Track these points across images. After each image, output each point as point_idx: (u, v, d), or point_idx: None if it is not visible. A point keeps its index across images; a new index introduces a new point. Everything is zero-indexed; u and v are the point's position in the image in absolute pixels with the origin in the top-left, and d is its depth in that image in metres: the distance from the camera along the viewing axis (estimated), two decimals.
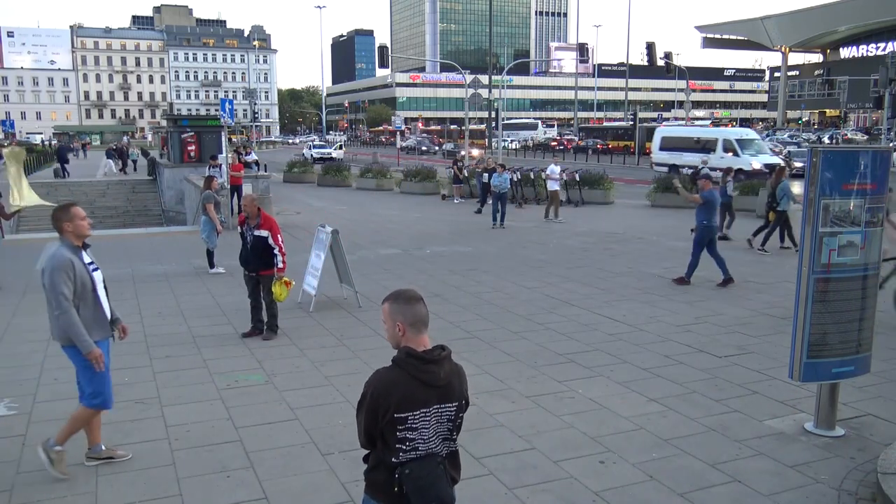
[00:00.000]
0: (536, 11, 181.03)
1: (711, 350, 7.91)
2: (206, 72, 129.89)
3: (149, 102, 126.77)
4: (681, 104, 65.64)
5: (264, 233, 8.29)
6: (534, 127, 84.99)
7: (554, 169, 20.74)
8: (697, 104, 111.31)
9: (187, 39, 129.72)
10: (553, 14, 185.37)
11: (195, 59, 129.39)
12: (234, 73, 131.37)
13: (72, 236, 4.90)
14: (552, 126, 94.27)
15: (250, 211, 8.40)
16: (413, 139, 79.79)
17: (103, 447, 5.27)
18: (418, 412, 2.74)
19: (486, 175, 21.96)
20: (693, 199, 11.67)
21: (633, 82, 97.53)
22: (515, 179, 24.85)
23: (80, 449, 5.26)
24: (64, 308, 4.76)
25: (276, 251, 8.31)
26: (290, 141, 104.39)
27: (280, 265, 8.34)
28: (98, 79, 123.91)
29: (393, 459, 2.77)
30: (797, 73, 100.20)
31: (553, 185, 20.30)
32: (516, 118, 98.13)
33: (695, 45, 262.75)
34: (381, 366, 2.87)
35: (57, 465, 4.98)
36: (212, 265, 12.51)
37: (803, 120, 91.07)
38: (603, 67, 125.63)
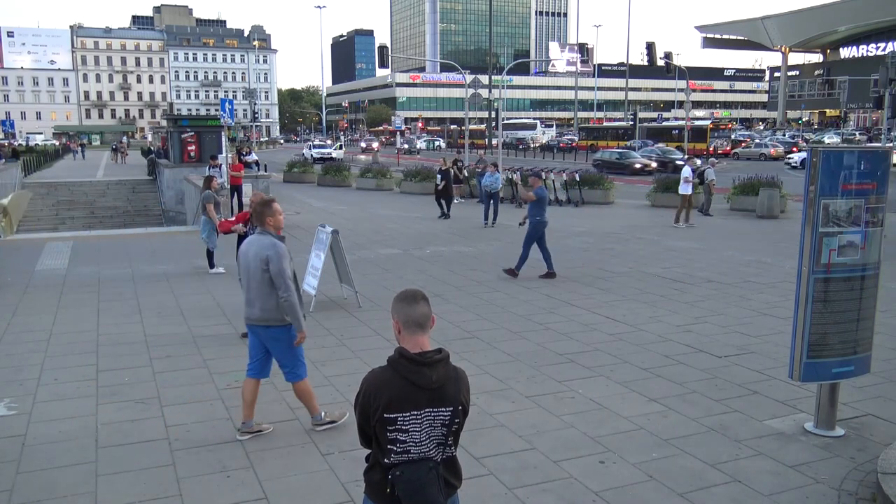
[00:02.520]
0: (536, 11, 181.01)
1: (711, 350, 7.91)
2: (206, 72, 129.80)
3: (149, 102, 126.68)
4: (681, 104, 65.61)
5: None
6: (532, 127, 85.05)
7: (688, 171, 19.25)
8: (697, 104, 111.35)
9: (187, 39, 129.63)
10: (553, 14, 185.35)
11: (195, 59, 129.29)
12: (234, 73, 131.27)
13: (272, 228, 5.48)
14: (551, 126, 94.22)
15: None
16: (413, 139, 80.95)
17: (254, 423, 5.73)
18: (408, 414, 2.72)
19: (438, 177, 20.87)
20: (528, 196, 12.00)
21: (633, 82, 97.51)
22: (516, 179, 24.84)
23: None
24: (292, 291, 5.39)
25: None
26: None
27: None
28: (98, 79, 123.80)
29: (385, 460, 2.77)
30: (797, 73, 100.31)
31: (686, 189, 18.93)
32: (515, 118, 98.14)
33: (695, 45, 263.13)
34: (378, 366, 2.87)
35: (335, 416, 5.79)
36: (212, 265, 12.52)
37: (803, 120, 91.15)
38: (603, 67, 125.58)
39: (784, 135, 68.26)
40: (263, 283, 5.38)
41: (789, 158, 42.51)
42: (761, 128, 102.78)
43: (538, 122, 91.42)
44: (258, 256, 5.37)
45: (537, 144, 67.85)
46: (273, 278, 5.35)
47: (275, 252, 5.35)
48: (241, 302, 9.03)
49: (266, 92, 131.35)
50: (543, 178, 12.66)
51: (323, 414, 5.76)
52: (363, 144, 74.91)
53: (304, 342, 5.58)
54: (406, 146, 72.94)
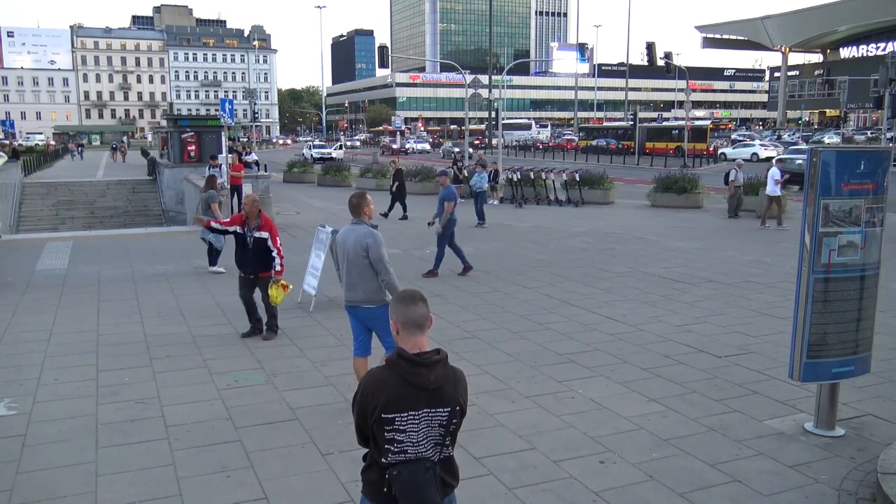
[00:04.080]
0: (536, 11, 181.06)
1: (711, 350, 7.91)
2: (206, 72, 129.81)
3: (149, 102, 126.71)
4: (681, 104, 65.62)
5: (265, 234, 8.19)
6: (527, 127, 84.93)
7: (777, 172, 18.06)
8: (697, 104, 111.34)
9: (187, 39, 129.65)
10: (553, 14, 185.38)
11: (195, 59, 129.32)
12: (234, 73, 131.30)
13: (367, 218, 6.02)
14: (546, 126, 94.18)
15: (251, 211, 8.24)
16: (414, 139, 79.51)
17: None
18: (406, 414, 2.73)
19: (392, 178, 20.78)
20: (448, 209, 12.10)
21: (633, 82, 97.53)
22: (515, 179, 24.86)
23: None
24: (391, 273, 5.94)
25: (274, 254, 8.21)
26: (353, 144, 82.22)
27: (278, 268, 8.24)
28: (98, 79, 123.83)
29: (383, 460, 2.78)
30: (797, 73, 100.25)
31: (775, 190, 17.77)
32: (510, 118, 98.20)
33: (695, 45, 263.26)
34: (376, 367, 2.87)
35: None
36: (213, 263, 12.48)
37: (803, 120, 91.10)
38: (603, 67, 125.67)
39: (776, 135, 68.02)
40: (365, 268, 5.90)
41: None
42: (760, 128, 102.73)
43: (533, 121, 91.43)
44: (358, 244, 5.89)
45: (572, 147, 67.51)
46: (374, 264, 5.87)
47: (374, 240, 5.90)
48: (241, 301, 9.07)
49: (266, 92, 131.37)
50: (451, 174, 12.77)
51: None
52: (394, 145, 70.26)
53: None
54: (456, 150, 54.12)
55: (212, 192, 12.86)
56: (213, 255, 12.55)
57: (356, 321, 6.13)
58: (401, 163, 23.41)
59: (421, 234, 17.20)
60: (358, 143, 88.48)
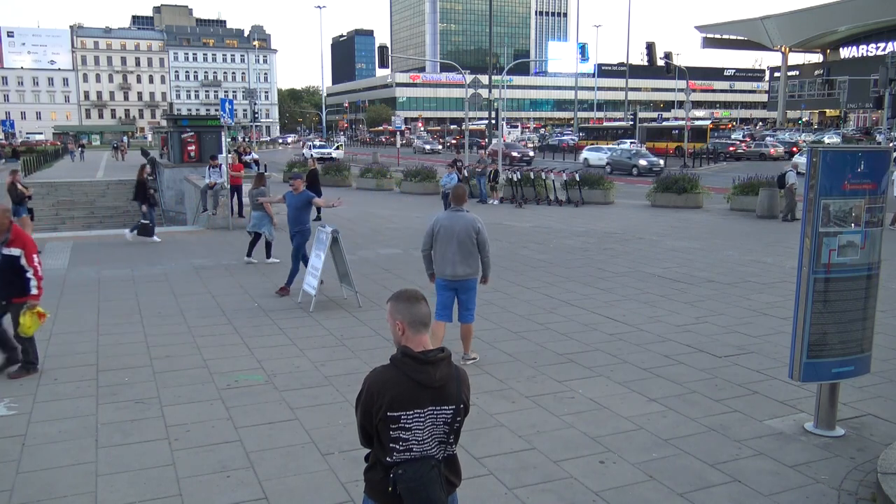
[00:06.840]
0: (536, 11, 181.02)
1: (711, 350, 7.91)
2: (206, 72, 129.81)
3: (149, 102, 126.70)
4: (681, 104, 65.60)
5: (15, 251, 6.82)
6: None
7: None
8: (697, 104, 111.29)
9: (187, 39, 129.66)
10: (553, 14, 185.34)
11: (195, 59, 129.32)
12: (234, 73, 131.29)
13: (466, 206, 7.27)
14: (516, 126, 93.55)
15: (0, 224, 6.87)
16: (418, 139, 78.52)
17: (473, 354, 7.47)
18: (411, 412, 2.74)
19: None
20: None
21: (633, 82, 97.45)
22: (515, 179, 24.87)
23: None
24: (491, 252, 7.26)
25: (29, 274, 6.89)
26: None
27: (34, 291, 6.92)
28: (98, 79, 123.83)
29: (387, 459, 2.78)
30: (797, 73, 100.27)
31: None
32: (484, 119, 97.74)
33: (695, 45, 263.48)
34: (380, 365, 2.87)
35: (475, 356, 7.48)
36: (269, 255, 13.12)
37: (803, 120, 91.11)
38: (603, 67, 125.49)
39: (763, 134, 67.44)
40: (472, 247, 7.04)
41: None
42: (760, 128, 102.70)
43: (504, 122, 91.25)
44: (469, 227, 7.02)
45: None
46: (482, 243, 7.07)
47: (481, 224, 7.11)
48: (242, 301, 9.11)
49: (266, 92, 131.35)
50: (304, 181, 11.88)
51: (471, 353, 7.40)
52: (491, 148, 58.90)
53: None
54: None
55: (261, 189, 13.16)
56: (268, 247, 13.11)
57: (449, 294, 7.16)
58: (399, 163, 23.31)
59: (422, 233, 17.17)
60: (440, 148, 68.86)
